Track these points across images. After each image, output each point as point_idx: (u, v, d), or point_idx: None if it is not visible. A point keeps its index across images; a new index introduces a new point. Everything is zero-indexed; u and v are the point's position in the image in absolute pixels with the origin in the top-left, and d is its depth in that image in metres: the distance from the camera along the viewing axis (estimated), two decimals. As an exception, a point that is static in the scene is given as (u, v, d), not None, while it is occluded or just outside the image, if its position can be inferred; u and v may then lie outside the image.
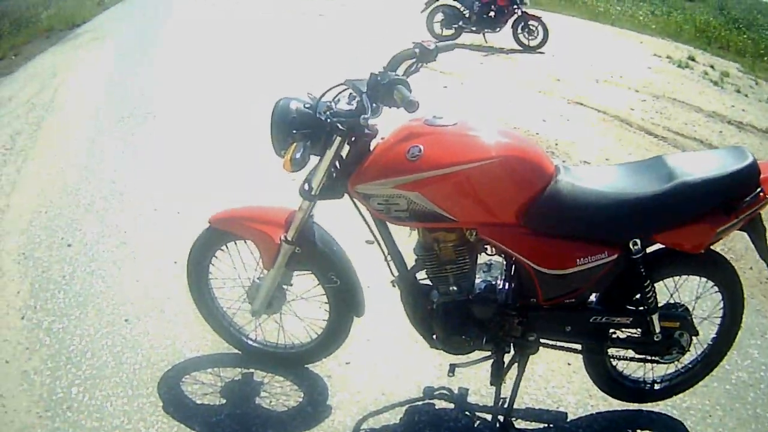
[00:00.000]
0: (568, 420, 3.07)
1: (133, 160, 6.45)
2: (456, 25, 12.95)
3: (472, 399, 3.11)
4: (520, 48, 12.63)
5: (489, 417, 3.00)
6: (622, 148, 7.11)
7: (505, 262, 2.73)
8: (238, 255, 3.11)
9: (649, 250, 2.60)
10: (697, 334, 2.82)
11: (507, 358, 2.84)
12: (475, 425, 2.97)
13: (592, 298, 2.74)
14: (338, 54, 11.08)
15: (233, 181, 5.76)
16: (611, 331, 2.77)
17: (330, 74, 2.64)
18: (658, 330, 2.68)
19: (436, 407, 3.05)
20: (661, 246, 2.59)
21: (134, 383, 3.22)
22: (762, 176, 2.45)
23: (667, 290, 2.88)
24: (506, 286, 2.72)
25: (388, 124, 2.63)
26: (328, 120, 2.45)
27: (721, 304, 2.90)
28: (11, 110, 8.45)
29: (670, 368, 3.07)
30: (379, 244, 2.72)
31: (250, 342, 3.27)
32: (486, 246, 2.61)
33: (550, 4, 19.67)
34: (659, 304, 2.71)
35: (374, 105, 2.46)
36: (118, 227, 4.95)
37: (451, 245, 2.54)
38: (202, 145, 6.85)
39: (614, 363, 2.95)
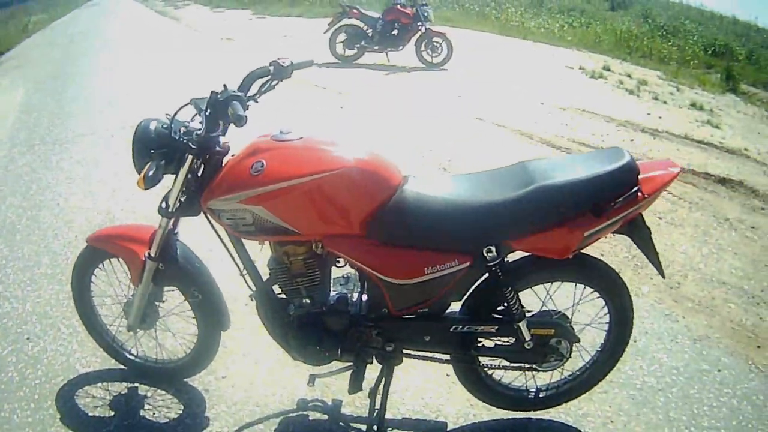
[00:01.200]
0: (449, 429, 3.16)
1: (40, 186, 6.80)
2: (358, 45, 13.24)
3: (346, 410, 3.24)
4: (424, 66, 12.88)
5: (363, 427, 3.13)
6: (512, 161, 7.11)
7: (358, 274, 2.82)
8: (114, 273, 3.34)
9: (517, 255, 2.72)
10: (577, 340, 2.90)
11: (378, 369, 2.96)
12: (349, 436, 3.12)
13: (457, 306, 2.84)
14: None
15: (135, 206, 5.99)
16: (479, 339, 2.88)
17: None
18: (528, 338, 2.77)
19: (310, 419, 3.21)
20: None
21: (36, 397, 3.46)
22: (642, 176, 2.53)
23: (538, 297, 2.95)
24: (360, 298, 2.84)
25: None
26: (181, 139, 2.61)
27: (606, 310, 2.97)
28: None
29: (557, 375, 3.14)
30: (233, 259, 2.85)
31: (131, 357, 3.48)
32: (339, 258, 2.73)
33: (461, 20, 20.15)
34: (532, 311, 2.85)
35: (220, 122, 2.65)
36: (23, 252, 5.26)
37: (301, 258, 2.68)
38: (107, 173, 7.06)
39: (490, 372, 3.05)
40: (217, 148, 2.66)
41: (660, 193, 2.60)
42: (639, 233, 2.72)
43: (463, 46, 13.28)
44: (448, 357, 2.95)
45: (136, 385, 3.47)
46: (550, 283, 2.91)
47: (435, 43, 12.76)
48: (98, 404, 3.37)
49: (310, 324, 2.79)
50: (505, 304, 2.72)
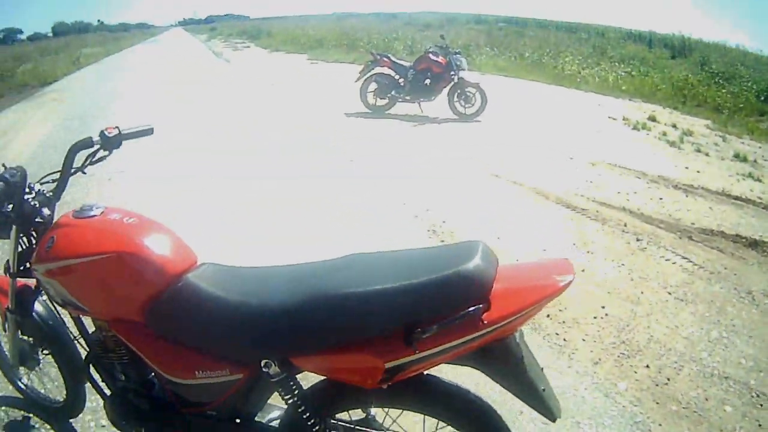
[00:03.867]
0: None
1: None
2: (390, 95, 12.92)
3: None
4: (456, 117, 12.38)
5: None
6: (519, 224, 6.59)
7: None
8: None
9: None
10: None
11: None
12: None
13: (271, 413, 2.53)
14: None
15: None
16: None
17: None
18: None
19: None
20: None
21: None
22: (498, 288, 1.86)
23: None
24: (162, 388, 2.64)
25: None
26: (4, 208, 2.59)
27: None
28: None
29: None
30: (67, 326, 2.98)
31: (22, 387, 3.51)
32: None
33: (514, 69, 19.91)
34: None
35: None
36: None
37: (111, 335, 2.52)
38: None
39: None
40: (38, 219, 2.61)
41: (524, 316, 1.88)
42: (498, 367, 2.01)
43: (507, 96, 12.85)
44: None
45: (30, 415, 3.50)
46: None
47: (468, 94, 12.32)
48: (-1, 427, 3.35)
49: (120, 399, 2.65)
50: (311, 428, 2.22)
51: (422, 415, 2.25)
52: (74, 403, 3.29)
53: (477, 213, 6.91)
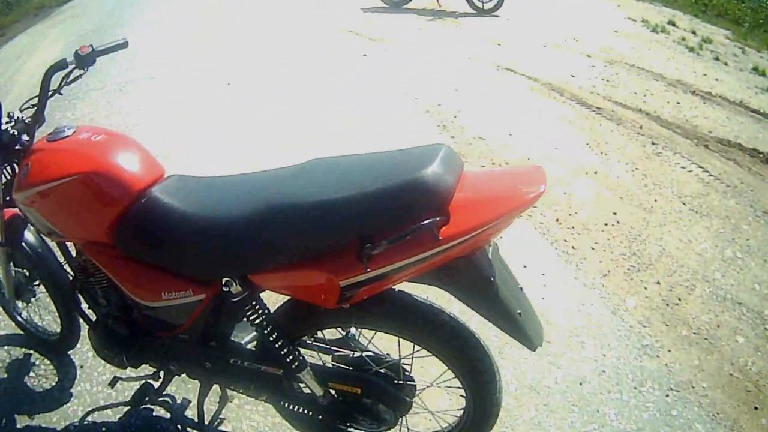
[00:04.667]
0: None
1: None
2: None
3: (189, 413, 2.87)
4: (474, 12, 11.71)
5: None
6: (532, 121, 6.22)
7: None
8: None
9: None
10: (404, 405, 2.16)
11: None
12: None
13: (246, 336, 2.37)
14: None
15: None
16: (280, 380, 2.30)
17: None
18: (321, 393, 2.21)
19: (153, 413, 2.98)
20: None
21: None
22: (456, 198, 1.65)
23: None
24: None
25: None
26: None
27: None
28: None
29: None
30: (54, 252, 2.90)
31: (21, 321, 3.45)
32: None
33: None
34: (346, 353, 2.21)
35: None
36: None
37: (88, 259, 2.44)
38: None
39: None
40: (17, 147, 2.48)
41: (488, 231, 1.65)
42: (464, 287, 1.78)
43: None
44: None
45: (32, 352, 3.42)
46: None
47: (486, -12, 11.69)
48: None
49: (101, 325, 2.58)
50: (273, 346, 2.10)
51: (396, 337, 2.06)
52: (70, 334, 3.23)
53: (489, 108, 6.55)
